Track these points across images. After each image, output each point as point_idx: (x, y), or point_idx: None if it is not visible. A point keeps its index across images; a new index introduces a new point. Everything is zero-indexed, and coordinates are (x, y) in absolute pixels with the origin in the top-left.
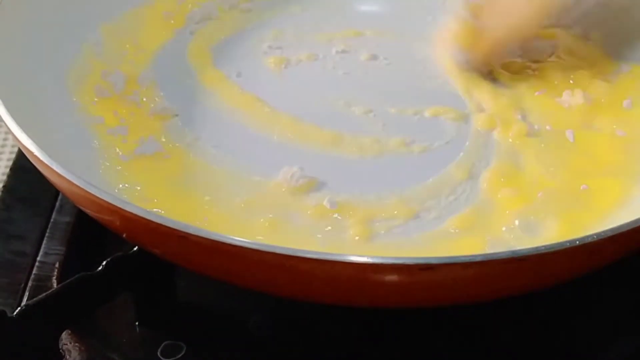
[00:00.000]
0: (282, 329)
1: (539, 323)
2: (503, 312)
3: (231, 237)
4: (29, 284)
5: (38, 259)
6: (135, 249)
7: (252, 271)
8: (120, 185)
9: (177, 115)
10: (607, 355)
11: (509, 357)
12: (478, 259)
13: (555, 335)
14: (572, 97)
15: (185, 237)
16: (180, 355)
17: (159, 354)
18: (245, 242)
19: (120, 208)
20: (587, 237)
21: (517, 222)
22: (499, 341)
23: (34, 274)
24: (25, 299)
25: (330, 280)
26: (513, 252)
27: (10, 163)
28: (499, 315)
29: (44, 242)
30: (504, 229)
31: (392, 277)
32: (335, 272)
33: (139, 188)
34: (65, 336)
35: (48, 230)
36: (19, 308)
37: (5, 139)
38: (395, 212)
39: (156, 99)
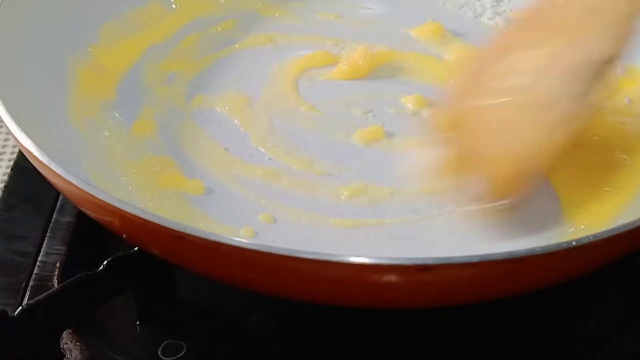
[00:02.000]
0: (282, 329)
1: (539, 323)
2: (503, 312)
3: (228, 237)
4: (30, 283)
5: (39, 258)
6: (135, 249)
7: (249, 271)
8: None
9: None
10: (607, 355)
11: (508, 357)
12: (475, 260)
13: (555, 335)
14: None
15: (182, 237)
16: (180, 355)
17: (159, 353)
18: (241, 242)
19: (118, 209)
20: (584, 238)
21: None
22: (498, 341)
23: (35, 273)
24: (26, 298)
25: (327, 280)
26: (509, 253)
27: (11, 163)
28: (499, 315)
29: (45, 242)
30: None
31: (390, 278)
32: (332, 272)
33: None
34: (66, 335)
35: (49, 230)
36: (20, 308)
37: (6, 139)
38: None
39: None
